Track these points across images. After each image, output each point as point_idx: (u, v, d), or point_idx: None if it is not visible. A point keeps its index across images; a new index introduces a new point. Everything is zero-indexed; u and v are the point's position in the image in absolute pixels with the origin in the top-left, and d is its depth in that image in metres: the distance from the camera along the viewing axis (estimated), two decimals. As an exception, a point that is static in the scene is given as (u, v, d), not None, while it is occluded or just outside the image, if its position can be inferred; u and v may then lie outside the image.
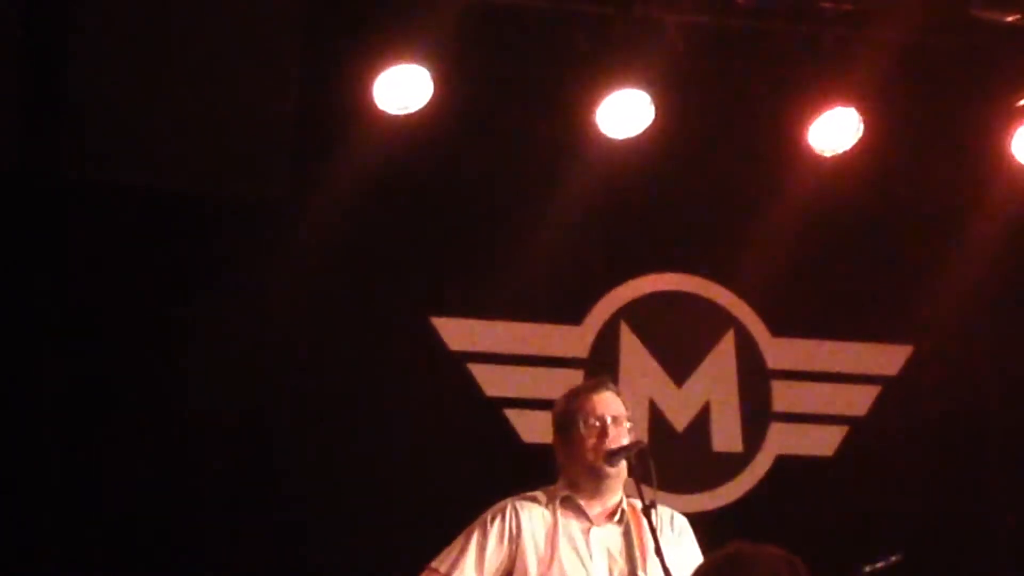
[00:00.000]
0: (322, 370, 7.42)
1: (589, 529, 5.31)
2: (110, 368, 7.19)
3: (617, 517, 5.34)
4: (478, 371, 7.66)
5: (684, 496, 7.63)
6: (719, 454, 7.94)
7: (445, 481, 7.25)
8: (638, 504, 5.28)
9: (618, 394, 5.41)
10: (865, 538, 7.78)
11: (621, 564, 5.28)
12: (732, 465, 7.93)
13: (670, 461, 7.50)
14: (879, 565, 5.28)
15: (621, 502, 5.35)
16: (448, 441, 7.48)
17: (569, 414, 5.36)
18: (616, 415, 5.31)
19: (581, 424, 5.30)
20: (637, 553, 5.27)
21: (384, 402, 7.43)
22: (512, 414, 7.65)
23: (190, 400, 7.19)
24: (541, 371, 7.72)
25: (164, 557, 7.07)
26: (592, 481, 5.31)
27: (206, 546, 7.12)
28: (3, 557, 6.86)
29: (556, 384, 7.59)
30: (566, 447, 5.37)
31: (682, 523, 5.38)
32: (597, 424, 5.29)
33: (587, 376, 7.63)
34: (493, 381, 7.68)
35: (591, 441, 5.28)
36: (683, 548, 5.29)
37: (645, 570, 5.25)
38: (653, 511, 5.11)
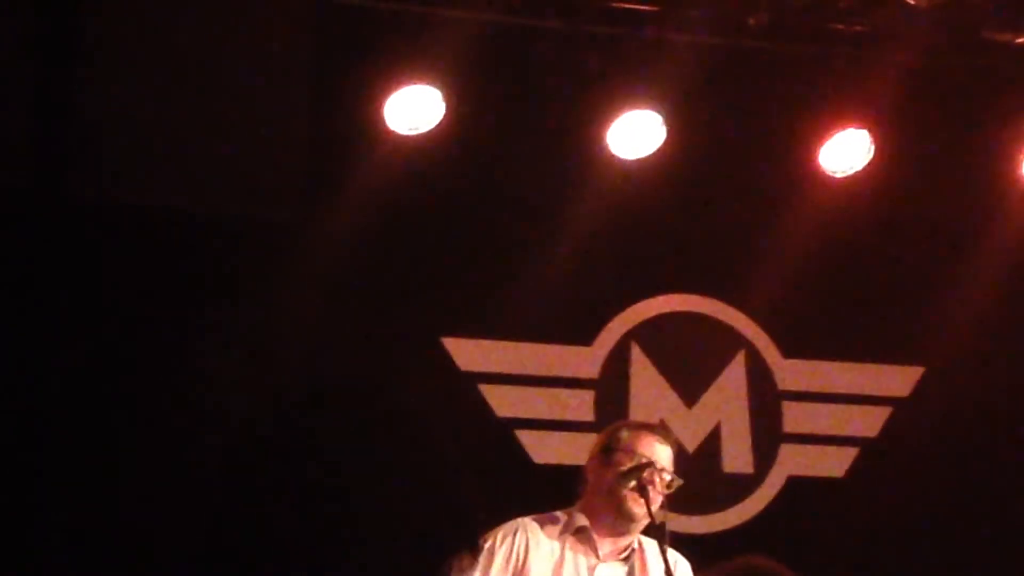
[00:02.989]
0: (333, 390, 7.41)
1: (595, 567, 5.29)
2: (121, 389, 7.19)
3: (624, 555, 5.32)
4: (489, 392, 7.66)
5: (694, 517, 7.63)
6: (730, 475, 7.92)
7: (456, 501, 7.24)
8: (647, 543, 5.29)
9: (676, 454, 5.35)
10: (876, 559, 7.77)
11: None
12: (743, 486, 7.92)
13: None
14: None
15: (632, 542, 5.33)
16: (459, 461, 7.48)
17: (619, 441, 5.33)
18: (661, 466, 5.26)
19: (624, 453, 5.28)
20: None
21: (395, 422, 7.43)
22: (523, 434, 7.65)
23: (202, 420, 7.19)
24: (552, 392, 7.71)
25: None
26: (610, 512, 5.27)
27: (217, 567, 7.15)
28: (9, 559, 6.89)
29: (567, 405, 7.64)
30: (600, 468, 5.33)
31: (685, 570, 5.33)
32: (641, 460, 5.25)
33: (598, 397, 7.66)
34: (504, 402, 7.67)
35: (622, 470, 5.26)
36: None
37: None
38: (664, 531, 5.11)
